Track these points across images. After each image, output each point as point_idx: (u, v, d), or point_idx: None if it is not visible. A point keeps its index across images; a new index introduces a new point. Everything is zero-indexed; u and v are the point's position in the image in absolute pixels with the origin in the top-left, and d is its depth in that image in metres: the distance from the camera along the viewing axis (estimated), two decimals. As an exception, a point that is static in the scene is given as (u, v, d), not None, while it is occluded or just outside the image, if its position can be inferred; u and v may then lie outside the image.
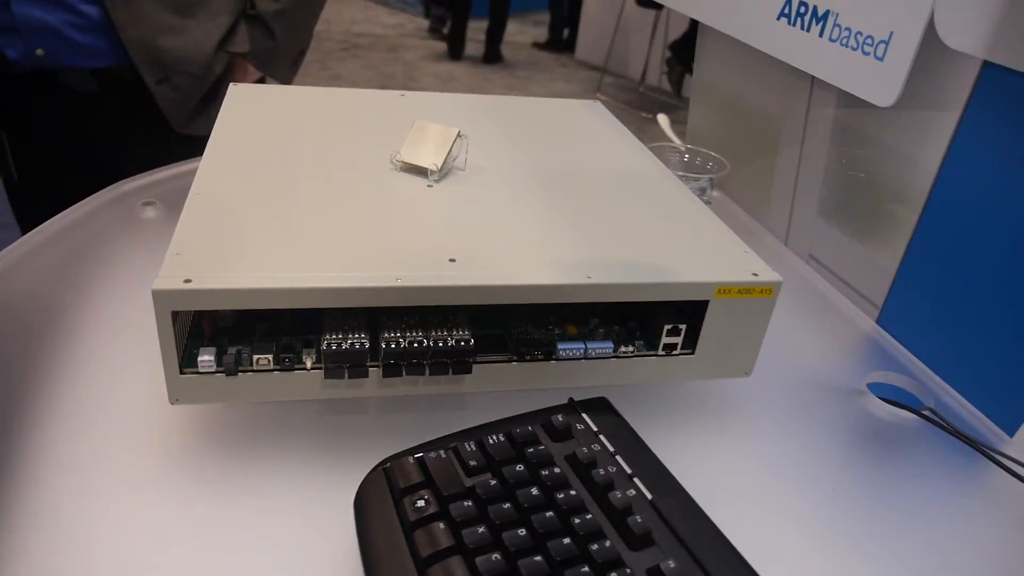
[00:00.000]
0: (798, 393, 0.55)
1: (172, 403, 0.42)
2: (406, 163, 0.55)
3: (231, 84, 0.68)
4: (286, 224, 0.46)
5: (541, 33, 5.39)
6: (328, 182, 0.52)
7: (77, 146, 1.02)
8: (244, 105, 0.64)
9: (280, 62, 1.11)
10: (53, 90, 0.98)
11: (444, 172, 0.55)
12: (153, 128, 1.02)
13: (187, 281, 0.39)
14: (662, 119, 1.01)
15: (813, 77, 0.68)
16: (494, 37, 4.79)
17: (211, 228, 0.45)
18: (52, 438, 0.44)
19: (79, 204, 0.67)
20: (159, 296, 0.39)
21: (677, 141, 0.85)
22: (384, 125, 0.63)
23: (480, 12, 4.75)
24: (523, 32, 5.48)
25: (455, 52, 4.80)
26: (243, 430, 0.46)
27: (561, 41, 5.18)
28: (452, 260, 0.44)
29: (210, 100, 1.05)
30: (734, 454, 0.49)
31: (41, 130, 1.01)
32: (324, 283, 0.41)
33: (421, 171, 0.55)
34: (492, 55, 4.79)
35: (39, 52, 0.93)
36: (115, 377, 0.49)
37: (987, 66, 0.53)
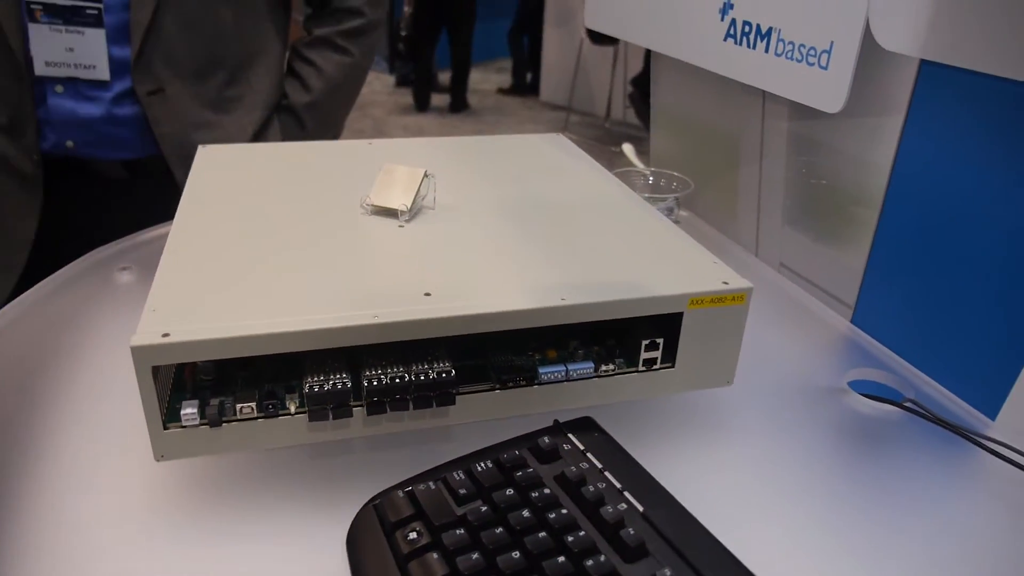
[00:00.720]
0: (781, 397, 0.55)
1: (157, 459, 0.42)
2: (376, 206, 0.56)
3: (199, 146, 0.69)
4: (261, 273, 0.47)
5: (505, 79, 5.49)
6: (300, 229, 0.53)
7: (105, 228, 1.01)
8: (214, 165, 0.65)
9: None
10: (83, 176, 0.97)
11: (414, 212, 0.56)
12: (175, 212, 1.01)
13: (165, 335, 0.40)
14: (627, 148, 1.03)
15: (764, 92, 0.71)
16: (459, 86, 4.87)
17: (186, 283, 0.45)
18: (39, 502, 0.44)
19: (57, 273, 0.67)
20: (138, 352, 0.39)
21: (640, 165, 0.87)
22: (353, 173, 0.64)
23: (444, 63, 4.84)
24: (487, 80, 5.58)
25: (421, 104, 4.88)
26: (231, 480, 0.46)
27: (525, 85, 5.28)
28: (427, 294, 0.45)
29: None
30: (723, 461, 0.49)
31: (70, 212, 0.99)
32: (302, 326, 0.41)
33: (392, 212, 0.56)
34: (458, 104, 4.87)
35: (69, 144, 0.93)
36: (100, 437, 0.49)
37: (924, 64, 0.55)
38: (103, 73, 0.90)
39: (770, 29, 0.67)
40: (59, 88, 0.90)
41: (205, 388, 0.44)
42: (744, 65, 0.71)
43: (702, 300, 0.48)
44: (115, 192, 0.99)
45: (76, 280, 0.67)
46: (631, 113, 4.19)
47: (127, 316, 0.61)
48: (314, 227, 0.54)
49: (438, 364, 0.44)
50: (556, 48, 4.87)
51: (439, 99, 4.96)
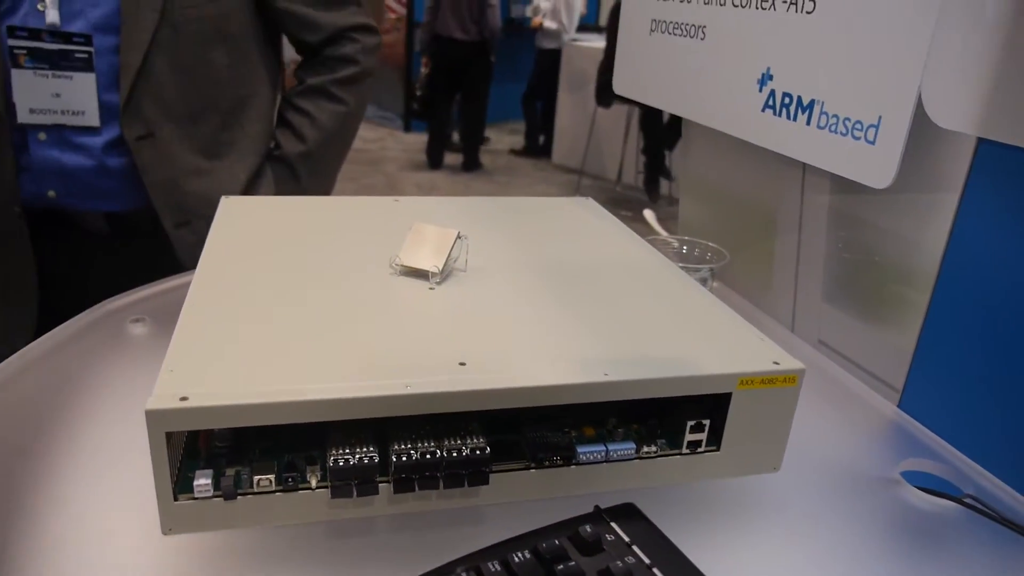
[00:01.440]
0: (830, 486, 0.52)
1: (165, 533, 0.39)
2: (406, 267, 0.54)
3: (222, 198, 0.67)
4: (285, 334, 0.44)
5: (517, 140, 5.56)
6: (327, 289, 0.50)
7: (84, 286, 0.96)
8: (236, 217, 0.63)
9: None
10: (60, 230, 0.93)
11: (445, 274, 0.54)
12: (161, 270, 0.97)
13: (183, 399, 0.37)
14: (648, 214, 1.02)
15: (805, 164, 0.69)
16: (472, 145, 4.93)
17: (206, 342, 0.43)
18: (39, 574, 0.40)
19: (65, 324, 0.65)
20: (153, 416, 0.36)
21: (663, 233, 0.85)
22: (380, 230, 0.62)
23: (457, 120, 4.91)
24: (500, 140, 5.65)
25: (435, 162, 4.93)
26: (240, 560, 0.42)
27: (537, 147, 5.34)
28: (462, 364, 0.42)
29: None
30: (772, 555, 0.46)
31: (48, 267, 0.95)
32: (330, 394, 0.38)
33: (422, 274, 0.53)
34: (471, 163, 4.92)
35: (51, 194, 0.89)
36: (104, 506, 0.45)
37: (983, 142, 0.53)
38: (92, 119, 0.86)
39: (812, 101, 0.66)
40: (42, 136, 0.86)
41: (220, 456, 0.41)
42: (783, 137, 0.69)
43: (752, 380, 0.45)
44: (97, 246, 0.95)
45: (86, 332, 0.65)
46: (642, 178, 4.22)
47: (140, 372, 0.58)
48: (341, 286, 0.51)
49: (471, 439, 0.41)
50: (569, 112, 4.94)
51: (452, 158, 5.01)
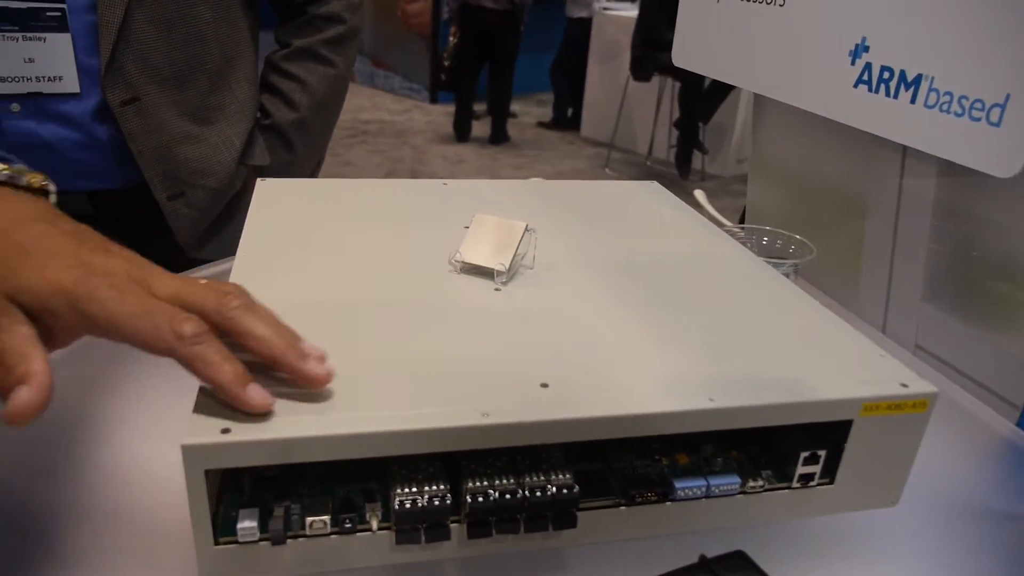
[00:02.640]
0: (947, 520, 0.46)
1: (204, 581, 0.34)
2: (468, 264, 0.48)
3: (258, 179, 0.61)
4: (336, 347, 0.38)
5: (545, 112, 5.45)
6: (380, 291, 0.45)
7: None
8: (274, 201, 0.57)
9: (299, 175, 1.03)
10: None
11: (512, 273, 0.47)
12: (154, 256, 0.90)
13: (225, 431, 0.31)
14: (699, 194, 0.94)
15: (905, 147, 0.62)
16: (499, 117, 4.84)
17: (250, 355, 0.37)
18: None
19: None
20: (191, 452, 0.31)
21: (718, 216, 0.78)
22: (432, 219, 0.56)
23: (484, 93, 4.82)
24: (528, 112, 5.54)
25: (462, 134, 4.84)
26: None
27: (566, 119, 5.23)
28: (544, 385, 0.36)
29: (225, 221, 0.94)
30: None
31: None
32: (394, 425, 0.33)
33: (486, 272, 0.47)
34: (498, 135, 4.83)
35: None
36: (129, 539, 0.40)
37: None
38: (72, 85, 0.78)
39: (919, 77, 0.58)
40: (15, 107, 0.78)
41: (266, 488, 0.35)
42: (881, 117, 0.62)
43: (877, 406, 0.39)
44: None
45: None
46: (675, 153, 4.11)
47: (169, 379, 0.53)
48: (396, 287, 0.45)
49: (556, 475, 0.35)
50: (599, 84, 4.82)
51: (478, 130, 4.92)
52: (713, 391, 0.37)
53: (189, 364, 0.33)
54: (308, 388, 0.34)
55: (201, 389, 0.34)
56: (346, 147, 4.47)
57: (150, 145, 0.83)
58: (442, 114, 5.41)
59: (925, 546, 0.44)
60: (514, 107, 5.17)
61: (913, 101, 0.59)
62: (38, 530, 0.40)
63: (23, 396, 0.31)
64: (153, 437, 0.47)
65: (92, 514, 0.42)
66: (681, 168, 4.04)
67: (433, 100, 5.92)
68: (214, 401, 0.33)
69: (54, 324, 0.34)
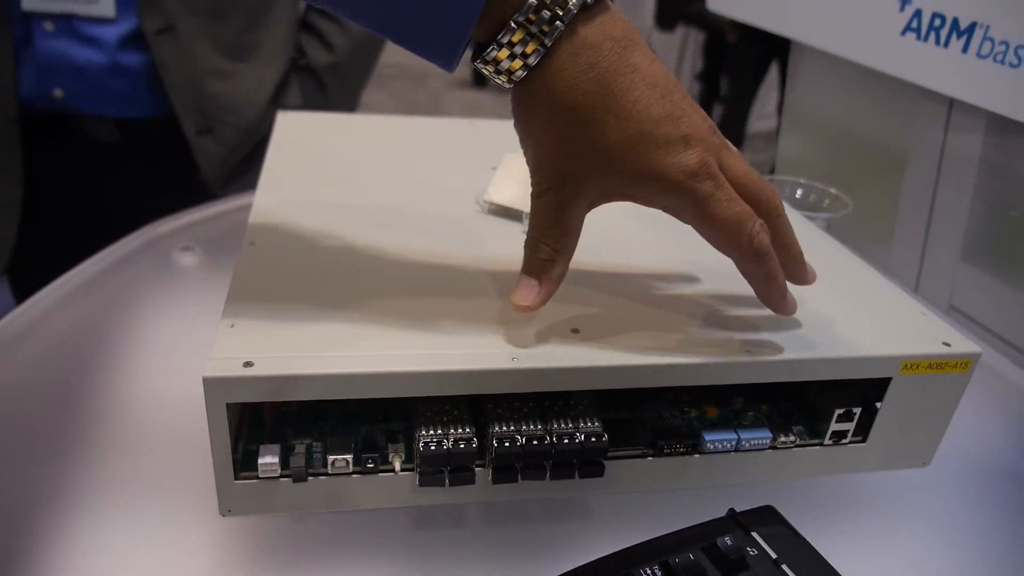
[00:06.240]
0: (983, 484, 0.45)
1: (223, 514, 0.33)
2: (496, 204, 0.46)
3: (279, 112, 0.60)
4: (362, 284, 0.37)
5: (565, 61, 5.35)
6: (406, 230, 0.43)
7: (86, 206, 0.89)
8: (296, 136, 0.56)
9: None
10: (65, 140, 0.84)
11: (541, 215, 0.46)
12: (179, 188, 0.88)
13: (247, 364, 0.30)
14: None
15: (952, 100, 0.59)
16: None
17: (271, 291, 0.36)
18: (76, 530, 0.35)
19: (109, 249, 0.59)
20: (213, 385, 0.30)
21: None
22: (457, 158, 0.55)
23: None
24: (547, 60, 5.44)
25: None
26: (308, 549, 0.37)
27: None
28: (575, 331, 0.35)
29: (252, 162, 0.92)
30: (920, 563, 0.39)
31: (45, 185, 0.87)
32: (423, 366, 0.32)
33: (514, 214, 0.46)
34: (517, 83, 4.75)
35: (58, 93, 0.79)
36: (149, 471, 0.40)
37: None
38: (107, 8, 0.77)
39: (972, 25, 0.55)
40: (49, 26, 0.77)
41: (287, 425, 0.35)
42: (929, 67, 0.59)
43: (918, 365, 0.37)
44: (103, 159, 0.86)
45: (130, 259, 0.58)
46: (697, 106, 4.03)
47: (192, 308, 0.52)
48: (422, 227, 0.44)
49: (585, 423, 0.34)
50: (622, 33, 4.71)
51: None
52: (750, 343, 0.36)
53: (754, 269, 0.34)
54: (780, 313, 0.36)
55: (224, 318, 0.33)
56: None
57: (182, 76, 0.81)
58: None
59: (954, 507, 0.43)
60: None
61: (965, 51, 0.56)
62: (57, 462, 0.40)
63: None
64: (168, 373, 0.46)
65: (109, 447, 0.41)
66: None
67: (452, 45, 5.81)
68: (237, 335, 0.32)
69: None
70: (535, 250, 0.35)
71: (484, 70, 0.32)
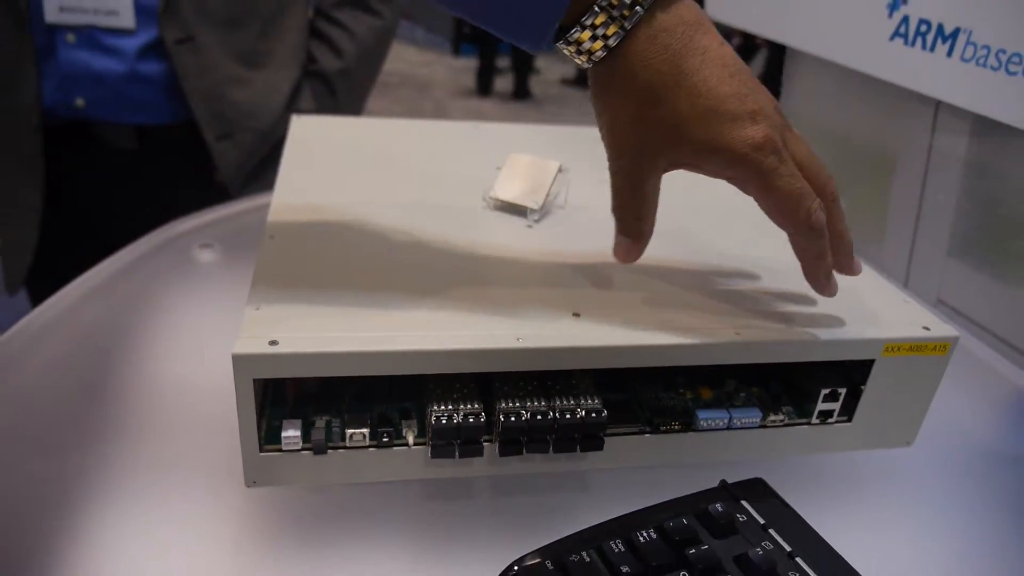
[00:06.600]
0: (962, 462, 0.47)
1: (248, 486, 0.36)
2: (501, 200, 0.49)
3: (293, 115, 0.62)
4: (376, 273, 0.40)
5: (569, 69, 5.39)
6: (417, 224, 0.46)
7: (103, 211, 0.92)
8: (311, 137, 0.58)
9: None
10: (83, 147, 0.87)
11: (544, 211, 0.49)
12: (195, 192, 0.90)
13: (273, 343, 0.33)
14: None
15: (938, 102, 0.62)
16: (522, 73, 4.79)
17: (292, 278, 0.39)
18: (103, 522, 0.38)
19: (131, 246, 0.61)
20: (241, 361, 0.32)
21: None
22: (464, 159, 0.57)
23: (508, 48, 4.76)
24: (551, 69, 5.48)
25: (484, 88, 4.81)
26: (328, 519, 0.39)
27: (589, 77, 5.17)
28: (576, 315, 0.38)
29: (269, 164, 0.96)
30: (907, 536, 0.41)
31: (64, 191, 0.89)
32: (435, 345, 0.34)
33: (519, 210, 0.48)
34: (521, 91, 4.79)
35: (79, 102, 0.82)
36: (177, 450, 0.42)
37: None
38: (127, 20, 0.80)
39: (957, 30, 0.58)
40: (71, 37, 0.80)
41: (307, 403, 0.37)
42: (916, 70, 0.62)
43: (899, 347, 0.40)
44: (121, 165, 0.89)
45: (150, 256, 0.61)
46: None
47: (212, 300, 0.55)
48: (432, 220, 0.46)
49: (586, 400, 0.37)
50: (625, 41, 4.75)
51: (501, 85, 4.88)
52: (739, 325, 0.38)
53: (807, 244, 0.36)
54: (822, 293, 0.38)
55: (250, 303, 0.35)
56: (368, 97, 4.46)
57: (202, 84, 0.84)
58: (464, 67, 5.37)
59: (936, 485, 0.45)
60: (538, 63, 5.11)
61: (950, 55, 0.58)
62: (88, 445, 0.43)
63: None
64: (192, 360, 0.49)
65: (137, 430, 0.44)
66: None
67: (456, 53, 5.86)
68: (262, 317, 0.35)
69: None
70: (623, 216, 0.38)
71: (566, 50, 0.34)
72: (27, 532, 0.37)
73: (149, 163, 0.89)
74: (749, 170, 0.34)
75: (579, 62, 0.35)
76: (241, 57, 0.89)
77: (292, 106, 0.96)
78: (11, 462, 0.41)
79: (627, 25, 0.33)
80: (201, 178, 0.92)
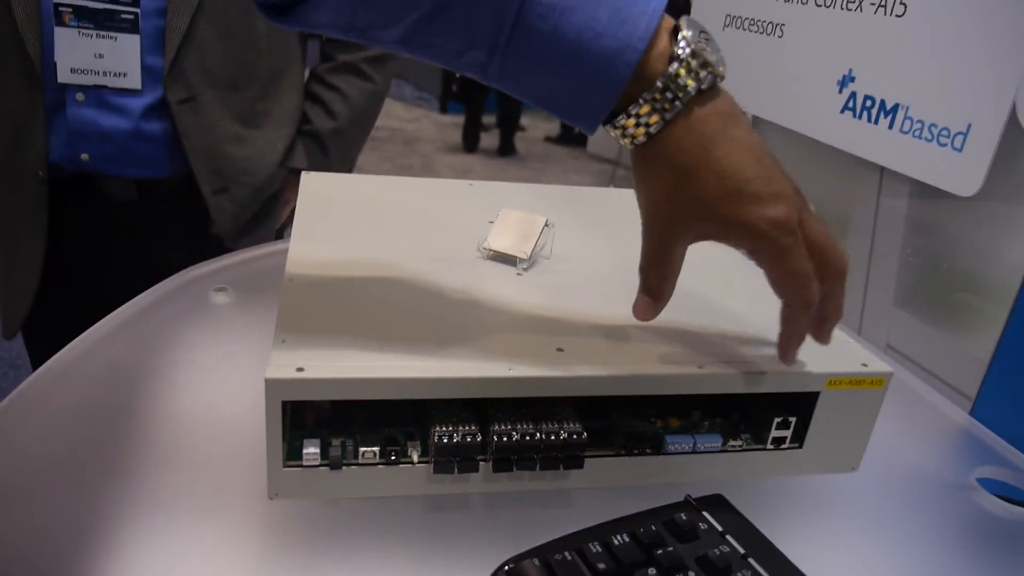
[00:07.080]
0: (903, 488, 0.53)
1: (271, 498, 0.40)
2: (494, 251, 0.55)
3: (303, 172, 0.69)
4: (385, 312, 0.46)
5: (553, 127, 5.55)
6: (420, 270, 0.52)
7: (102, 261, 0.96)
8: (321, 192, 0.65)
9: None
10: (84, 198, 0.91)
11: (532, 261, 0.55)
12: (191, 243, 0.96)
13: (300, 370, 0.38)
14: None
15: (882, 168, 0.69)
16: (508, 130, 4.93)
17: (312, 315, 0.44)
18: (135, 540, 0.42)
19: (146, 292, 0.67)
20: (272, 386, 0.38)
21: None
22: (461, 214, 0.64)
23: (494, 106, 4.91)
24: (536, 126, 5.64)
25: (470, 145, 4.93)
26: (342, 529, 0.44)
27: (572, 135, 5.32)
28: (560, 350, 0.43)
29: (263, 216, 1.01)
30: (851, 550, 0.46)
31: (64, 241, 0.93)
32: (438, 373, 0.39)
33: (509, 259, 0.54)
34: (506, 148, 4.92)
35: (84, 157, 0.87)
36: (201, 471, 0.47)
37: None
38: (134, 81, 0.85)
39: (896, 106, 0.66)
40: (80, 96, 0.85)
41: (324, 426, 0.42)
42: (863, 140, 0.69)
43: (840, 381, 0.46)
44: (121, 216, 0.93)
45: (166, 300, 0.66)
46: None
47: (228, 339, 0.60)
48: (432, 268, 0.52)
49: (568, 424, 0.42)
50: (607, 101, 4.90)
51: (487, 141, 5.01)
52: (702, 361, 0.44)
53: (796, 318, 0.42)
54: (783, 358, 0.44)
55: (276, 337, 0.41)
56: (356, 153, 4.55)
57: (202, 142, 0.90)
58: (451, 124, 5.51)
59: (880, 506, 0.51)
60: (523, 120, 5.26)
61: (891, 127, 0.66)
62: (116, 475, 0.47)
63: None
64: (211, 393, 0.54)
65: (162, 460, 0.48)
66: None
67: (443, 110, 6.01)
68: (288, 348, 0.40)
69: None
70: (648, 277, 0.43)
71: (612, 132, 0.40)
72: (64, 563, 0.40)
73: (147, 215, 0.94)
74: (767, 245, 0.39)
75: (624, 143, 0.40)
76: (240, 117, 0.94)
77: (286, 163, 1.02)
78: (42, 497, 0.45)
79: (667, 116, 0.37)
80: (196, 229, 0.97)
